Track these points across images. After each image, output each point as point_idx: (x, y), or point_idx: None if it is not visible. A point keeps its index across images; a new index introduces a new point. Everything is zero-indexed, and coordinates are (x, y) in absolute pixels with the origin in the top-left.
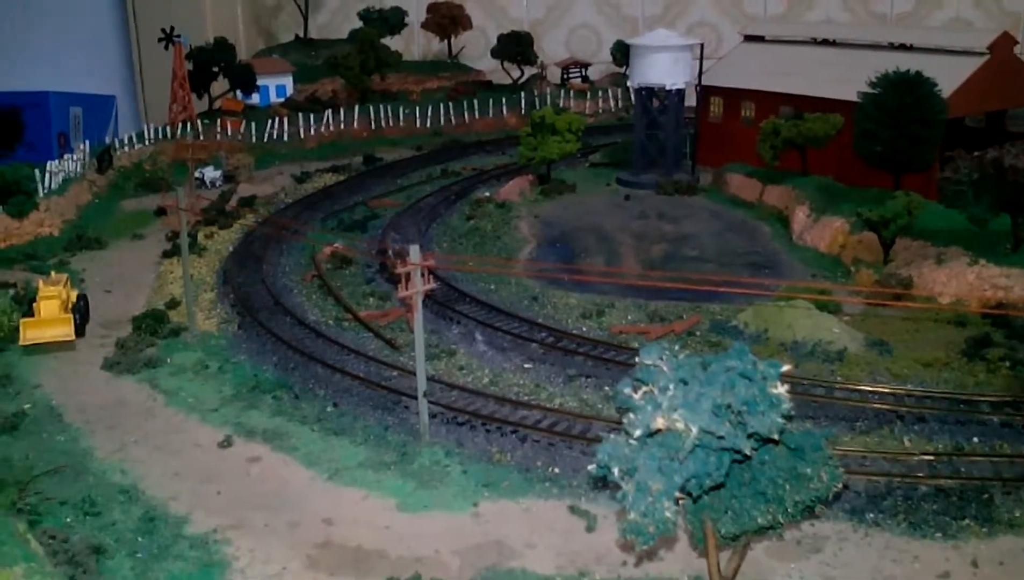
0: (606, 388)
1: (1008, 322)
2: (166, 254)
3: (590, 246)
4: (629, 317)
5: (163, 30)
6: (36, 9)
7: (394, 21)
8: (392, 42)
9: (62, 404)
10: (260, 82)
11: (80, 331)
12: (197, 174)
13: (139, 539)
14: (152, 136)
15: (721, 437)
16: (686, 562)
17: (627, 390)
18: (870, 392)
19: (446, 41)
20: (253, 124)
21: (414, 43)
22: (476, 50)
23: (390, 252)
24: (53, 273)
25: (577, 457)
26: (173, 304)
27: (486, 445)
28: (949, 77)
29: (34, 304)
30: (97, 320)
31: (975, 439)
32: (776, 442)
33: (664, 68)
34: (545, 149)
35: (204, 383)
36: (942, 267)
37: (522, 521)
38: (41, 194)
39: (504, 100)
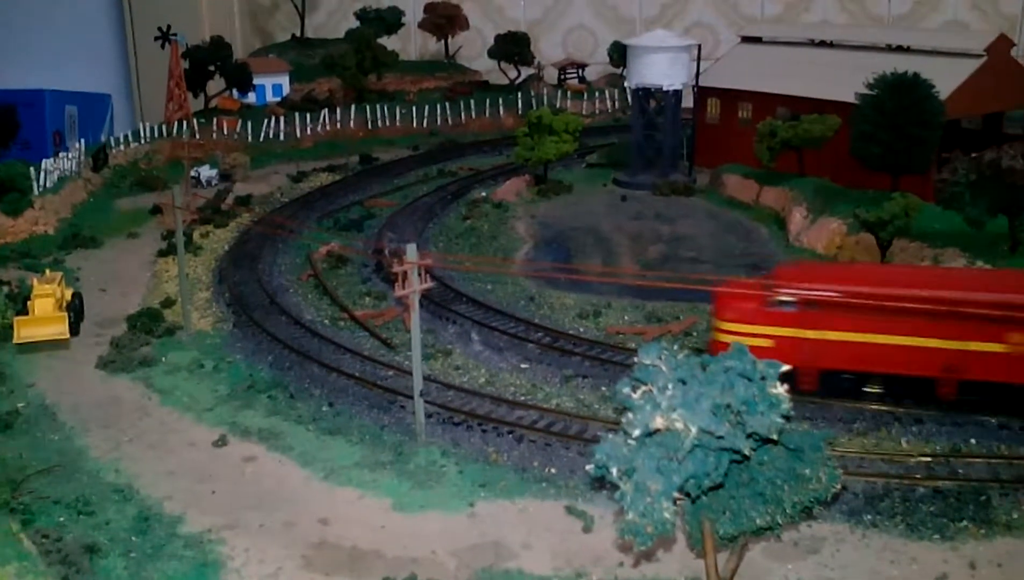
0: (603, 388)
1: None
2: (161, 253)
3: (587, 246)
4: (626, 317)
5: (159, 29)
6: (32, 7)
7: (391, 21)
8: (389, 42)
9: (56, 403)
10: (256, 81)
11: (75, 330)
12: (193, 173)
13: (133, 538)
14: (148, 135)
15: (720, 437)
16: (684, 563)
17: (626, 390)
18: (868, 393)
19: (443, 41)
20: (249, 123)
21: (411, 43)
22: (473, 50)
23: (386, 251)
24: (48, 271)
25: (574, 457)
26: (168, 303)
27: (482, 445)
28: (946, 79)
29: (28, 302)
30: (92, 319)
31: (972, 441)
32: (775, 442)
33: (661, 69)
34: (542, 149)
35: (199, 382)
36: None
37: (519, 521)
38: (36, 192)
39: (501, 100)
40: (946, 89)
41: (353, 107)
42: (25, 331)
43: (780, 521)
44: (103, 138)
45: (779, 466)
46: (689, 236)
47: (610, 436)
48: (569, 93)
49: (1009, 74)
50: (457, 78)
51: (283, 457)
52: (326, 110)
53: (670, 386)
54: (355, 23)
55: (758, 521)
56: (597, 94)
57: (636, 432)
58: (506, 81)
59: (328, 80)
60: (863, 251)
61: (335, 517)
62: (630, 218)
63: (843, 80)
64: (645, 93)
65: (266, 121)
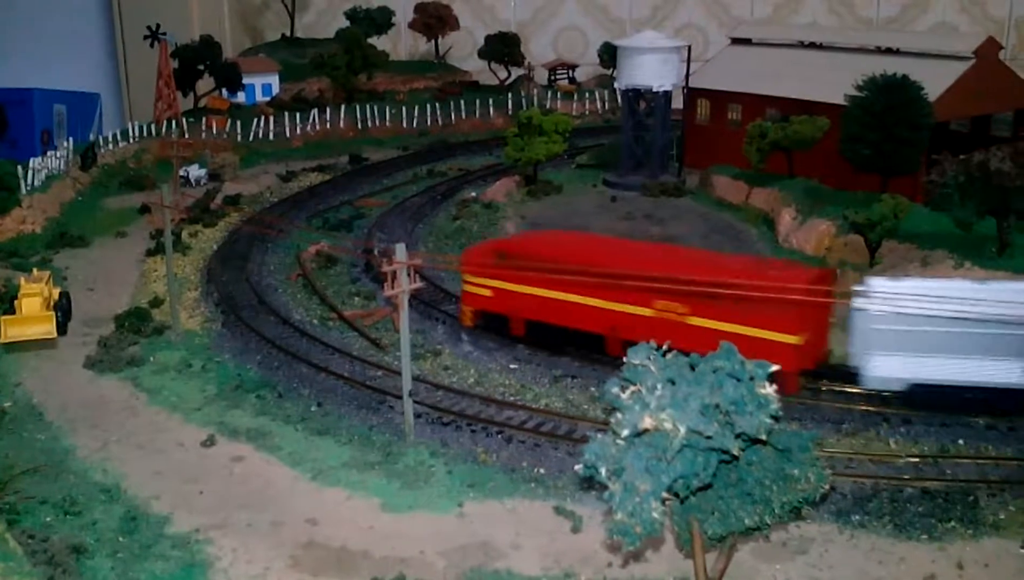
0: (592, 389)
1: None
2: (150, 252)
3: None
4: None
5: (148, 28)
6: (21, 6)
7: (381, 21)
8: (379, 42)
9: (43, 402)
10: (246, 81)
11: (62, 329)
12: (182, 172)
13: (120, 539)
14: (137, 134)
15: (709, 437)
16: (672, 563)
17: (615, 389)
18: (856, 394)
19: (433, 41)
20: (239, 123)
21: (401, 43)
22: (463, 51)
23: (376, 251)
24: (35, 270)
25: (563, 458)
26: (156, 302)
27: (471, 445)
28: (935, 81)
29: (15, 302)
30: (79, 318)
31: (960, 441)
32: (764, 443)
33: (651, 70)
34: (532, 150)
35: (187, 382)
36: (928, 270)
37: (507, 522)
38: (24, 191)
39: (491, 101)
40: (935, 91)
41: (343, 107)
42: (12, 330)
43: (768, 521)
44: (92, 137)
45: (768, 466)
46: (679, 237)
47: (599, 436)
48: (559, 94)
49: (997, 77)
50: (447, 78)
51: (271, 457)
52: (316, 110)
53: (659, 386)
54: (345, 23)
55: (746, 521)
56: (587, 95)
57: (625, 432)
58: (496, 81)
59: (318, 80)
60: (852, 252)
61: (323, 517)
62: (620, 219)
63: (832, 82)
64: (635, 94)
65: (255, 121)
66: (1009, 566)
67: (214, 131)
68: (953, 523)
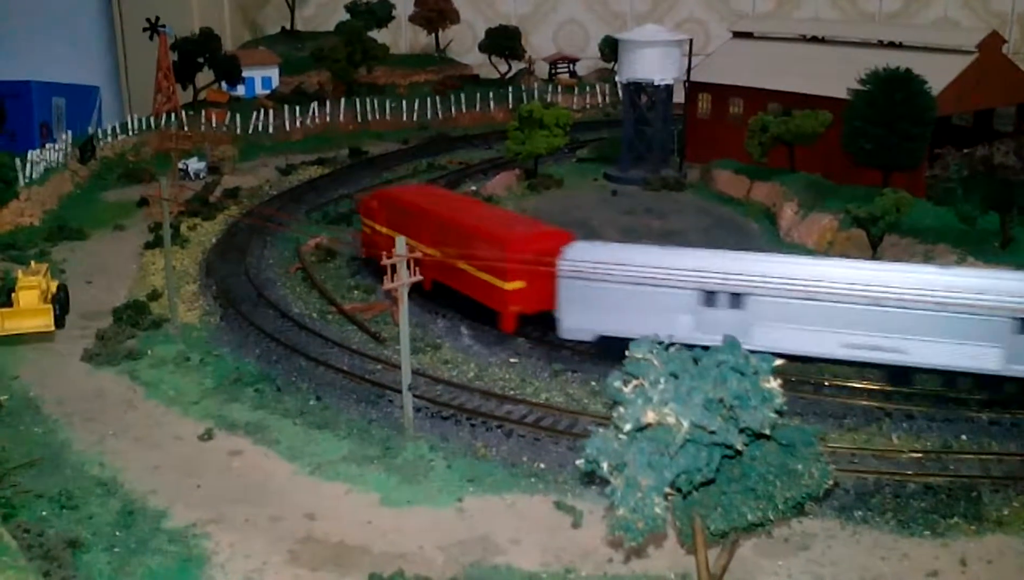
0: (592, 383)
1: None
2: (148, 245)
3: None
4: None
5: (148, 20)
6: None
7: (381, 14)
8: (379, 35)
9: (40, 396)
10: (245, 74)
11: (60, 322)
12: (181, 165)
13: (117, 533)
14: (136, 127)
15: (712, 432)
16: (674, 559)
17: (617, 383)
18: (859, 389)
19: (433, 35)
20: (238, 116)
21: (401, 36)
22: (464, 44)
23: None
24: (33, 263)
25: (563, 452)
26: (155, 296)
27: (471, 440)
28: (938, 75)
29: (13, 294)
30: (77, 311)
31: (963, 437)
32: (767, 438)
33: (652, 63)
34: (532, 144)
35: (185, 375)
36: (930, 264)
37: (507, 517)
38: (22, 183)
39: (491, 94)
40: (938, 85)
41: (343, 100)
42: (9, 323)
43: (771, 517)
44: (90, 130)
45: (771, 461)
46: (680, 231)
47: (601, 431)
48: (560, 87)
49: (1000, 71)
50: (448, 72)
51: (270, 451)
52: (316, 103)
53: (662, 380)
54: (345, 16)
55: (749, 517)
56: (588, 89)
57: (627, 426)
58: (497, 75)
59: (318, 73)
60: (854, 246)
61: (322, 512)
62: (621, 213)
63: (835, 76)
64: (636, 88)
65: (255, 114)
66: (1012, 562)
67: (213, 124)
68: (956, 519)
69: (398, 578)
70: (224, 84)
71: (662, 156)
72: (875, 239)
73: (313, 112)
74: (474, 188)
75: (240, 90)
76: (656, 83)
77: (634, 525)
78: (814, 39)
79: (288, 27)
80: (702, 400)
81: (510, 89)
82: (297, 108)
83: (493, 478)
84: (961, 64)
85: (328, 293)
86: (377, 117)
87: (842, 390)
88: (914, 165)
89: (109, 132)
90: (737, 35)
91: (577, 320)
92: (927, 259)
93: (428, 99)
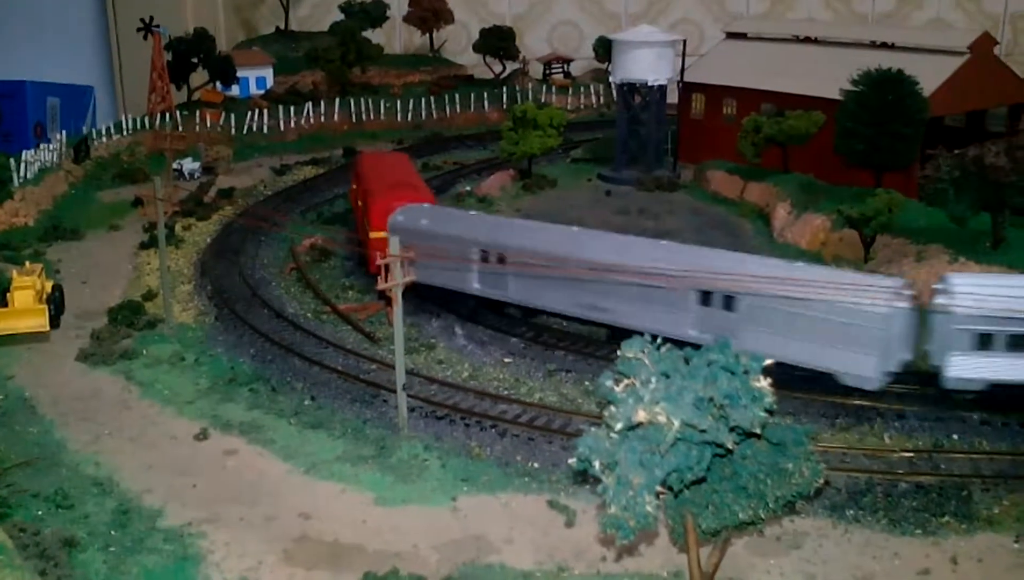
0: (586, 383)
1: None
2: (143, 245)
3: None
4: None
5: (142, 20)
6: None
7: (376, 14)
8: (373, 35)
9: (35, 395)
10: (240, 74)
11: (55, 322)
12: (175, 165)
13: (112, 532)
14: (130, 127)
15: (703, 430)
16: (666, 557)
17: (609, 383)
18: (850, 389)
19: (428, 35)
20: (232, 116)
21: (395, 37)
22: (458, 44)
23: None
24: (28, 263)
25: (557, 452)
26: (150, 296)
27: (465, 439)
28: (930, 76)
29: (8, 294)
30: (72, 311)
31: (954, 436)
32: (758, 436)
33: (646, 64)
34: (526, 144)
35: (180, 375)
36: (922, 264)
37: (501, 516)
38: (16, 184)
39: (486, 95)
40: (930, 86)
41: (337, 100)
42: (4, 323)
43: (763, 515)
44: (85, 130)
45: (762, 460)
46: (673, 231)
47: (593, 430)
48: (554, 88)
49: (992, 72)
50: (442, 72)
51: (264, 451)
52: (310, 103)
53: (653, 379)
54: (340, 16)
55: (741, 515)
56: (582, 89)
57: (619, 425)
58: (491, 75)
59: (312, 73)
60: (847, 246)
61: (316, 511)
62: (614, 213)
63: (828, 76)
64: (630, 88)
65: (249, 114)
66: (1002, 561)
67: (208, 124)
68: (947, 518)
69: (392, 577)
70: (218, 84)
71: (656, 156)
72: (867, 239)
73: (307, 112)
74: (468, 188)
75: (234, 90)
76: (650, 84)
77: (626, 523)
78: (807, 40)
79: (282, 27)
80: (693, 399)
81: (504, 89)
82: (291, 108)
83: (487, 477)
84: (953, 65)
85: (323, 293)
86: (371, 117)
87: (834, 389)
88: (906, 166)
89: (103, 132)
90: (731, 36)
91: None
92: (919, 260)
93: (422, 99)
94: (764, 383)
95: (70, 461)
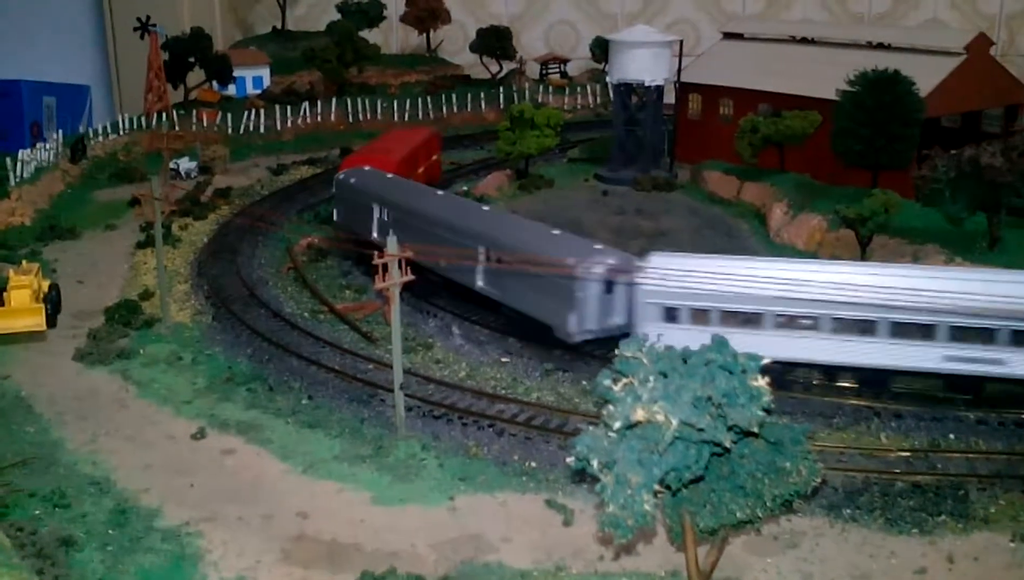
0: (583, 382)
1: None
2: (140, 245)
3: None
4: None
5: (139, 19)
6: None
7: (372, 14)
8: (370, 35)
9: (32, 395)
10: (237, 73)
11: (51, 321)
12: (172, 165)
13: (110, 531)
14: (127, 126)
15: (701, 429)
16: (664, 556)
17: (607, 382)
18: (847, 388)
19: (425, 35)
20: (229, 115)
21: (392, 36)
22: (455, 44)
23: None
24: (24, 262)
25: (554, 451)
26: (146, 295)
27: (462, 439)
28: (927, 76)
29: (4, 294)
30: (69, 310)
31: (951, 436)
32: (756, 435)
33: (643, 64)
34: (523, 144)
35: (177, 375)
36: (920, 264)
37: (498, 515)
38: (13, 183)
39: (482, 95)
40: (926, 86)
41: (334, 100)
42: (1, 323)
43: (760, 514)
44: (81, 129)
45: (759, 459)
46: (670, 231)
47: (591, 429)
48: (551, 88)
49: (988, 73)
50: (439, 72)
51: (262, 450)
52: (307, 103)
53: (651, 378)
54: (336, 16)
55: (738, 514)
56: (579, 89)
57: (617, 424)
58: (488, 75)
59: (309, 73)
60: (843, 246)
61: (314, 510)
62: (611, 213)
63: (824, 77)
64: (627, 88)
65: (246, 113)
66: (999, 560)
67: (204, 124)
68: (943, 517)
69: (390, 576)
70: (215, 84)
71: (652, 157)
72: (864, 239)
73: (304, 112)
74: (465, 188)
75: (231, 90)
76: (647, 84)
77: (624, 522)
78: (804, 40)
79: (279, 27)
80: (691, 398)
81: (501, 89)
82: (288, 108)
83: (484, 477)
84: (949, 66)
85: (320, 293)
86: (368, 117)
87: (831, 389)
88: (902, 166)
89: (100, 131)
90: (727, 36)
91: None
92: (916, 260)
93: (419, 99)
94: (762, 382)
95: (67, 460)
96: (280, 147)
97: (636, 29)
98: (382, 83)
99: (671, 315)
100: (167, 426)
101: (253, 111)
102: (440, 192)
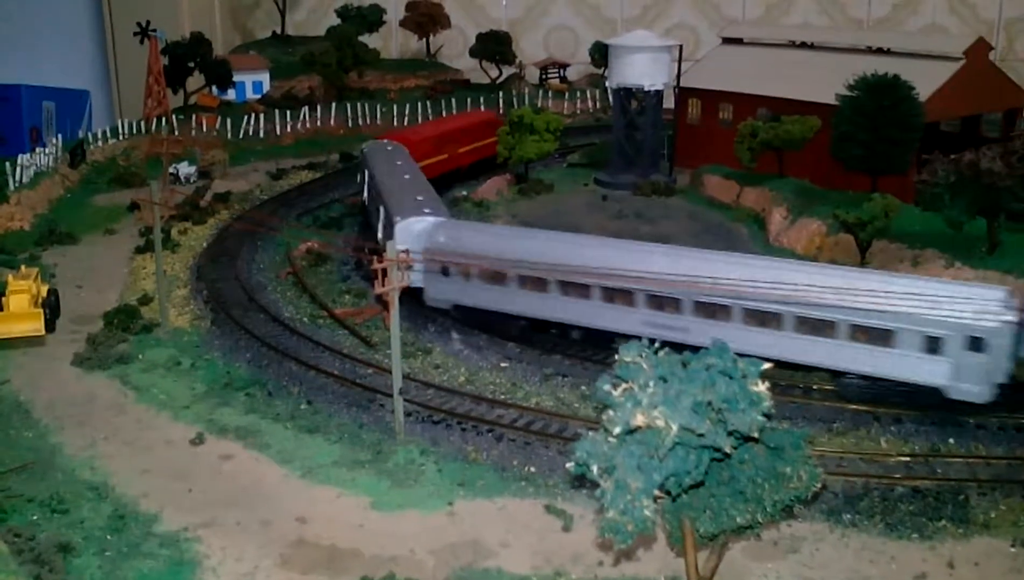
0: (583, 387)
1: None
2: (139, 250)
3: None
4: None
5: (139, 24)
6: (9, 2)
7: (372, 19)
8: (370, 40)
9: (30, 400)
10: (236, 78)
11: (50, 326)
12: (172, 169)
13: (108, 537)
14: (126, 131)
15: (701, 434)
16: (664, 562)
17: (607, 387)
18: (848, 393)
19: (424, 40)
20: (229, 120)
21: (392, 41)
22: (454, 49)
23: (366, 248)
24: (23, 267)
25: (553, 456)
26: (145, 300)
27: (462, 444)
28: (926, 81)
29: (3, 299)
30: (68, 315)
31: (951, 440)
32: (756, 441)
33: (642, 69)
34: (523, 148)
35: (176, 380)
36: (918, 269)
37: (498, 520)
38: (12, 188)
39: (482, 99)
40: (925, 91)
41: (334, 105)
42: None
43: (760, 520)
44: (81, 134)
45: (760, 464)
46: (669, 236)
47: (590, 434)
48: (550, 92)
49: (987, 77)
50: (438, 77)
51: (261, 455)
52: (306, 108)
53: (651, 383)
54: (336, 20)
55: (738, 519)
56: (578, 94)
57: (617, 430)
58: (487, 80)
59: (309, 78)
60: (843, 251)
61: (313, 516)
62: (611, 218)
63: (823, 82)
64: (626, 93)
65: (246, 118)
66: (999, 565)
67: (204, 128)
68: (944, 522)
69: None
70: (215, 88)
71: (652, 161)
72: (863, 244)
73: (304, 117)
74: (465, 193)
75: (231, 94)
76: (646, 88)
77: (624, 527)
78: (803, 45)
79: (279, 31)
80: (691, 403)
81: (501, 94)
82: (288, 113)
83: (484, 482)
84: (948, 70)
85: (319, 298)
86: (368, 122)
87: (831, 394)
88: (902, 171)
89: (99, 136)
90: (727, 41)
91: None
92: (915, 265)
93: (419, 104)
94: (762, 387)
95: (65, 466)
96: (280, 152)
97: (635, 34)
98: (382, 88)
99: (446, 271)
100: (166, 431)
101: (253, 116)
102: (400, 161)
